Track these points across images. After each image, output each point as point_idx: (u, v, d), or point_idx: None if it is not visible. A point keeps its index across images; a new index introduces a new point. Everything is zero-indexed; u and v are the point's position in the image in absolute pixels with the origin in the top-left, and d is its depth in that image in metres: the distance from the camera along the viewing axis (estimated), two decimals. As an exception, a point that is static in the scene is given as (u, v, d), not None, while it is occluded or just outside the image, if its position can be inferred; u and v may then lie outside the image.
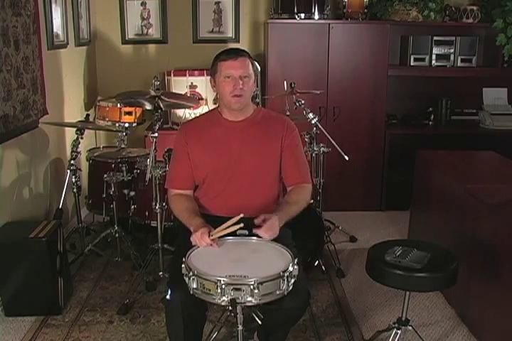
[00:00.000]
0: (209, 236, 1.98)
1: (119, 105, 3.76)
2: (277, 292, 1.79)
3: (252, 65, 2.23)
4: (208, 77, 2.35)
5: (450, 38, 4.44)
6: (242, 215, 1.96)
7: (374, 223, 4.28)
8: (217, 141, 2.25)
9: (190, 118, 2.61)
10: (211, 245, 1.98)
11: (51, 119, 3.48)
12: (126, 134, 3.65)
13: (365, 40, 4.22)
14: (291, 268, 1.82)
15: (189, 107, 3.85)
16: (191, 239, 2.02)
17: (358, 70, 4.27)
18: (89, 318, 2.82)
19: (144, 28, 4.63)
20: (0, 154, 2.87)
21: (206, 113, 2.47)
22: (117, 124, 3.81)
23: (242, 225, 1.96)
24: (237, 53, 2.20)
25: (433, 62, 4.47)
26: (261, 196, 2.27)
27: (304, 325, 2.75)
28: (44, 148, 3.54)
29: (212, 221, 2.14)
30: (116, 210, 3.41)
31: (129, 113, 3.85)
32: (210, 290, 1.76)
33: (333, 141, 3.32)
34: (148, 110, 3.29)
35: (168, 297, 2.00)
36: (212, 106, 4.06)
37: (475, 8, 4.37)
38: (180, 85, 4.26)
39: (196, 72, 4.21)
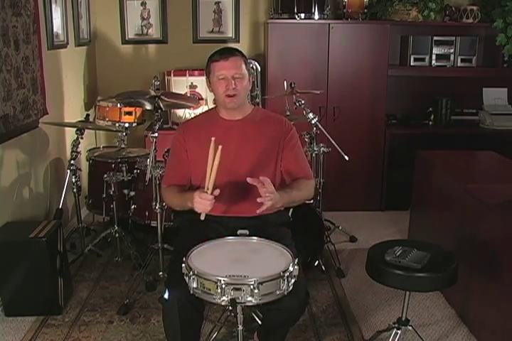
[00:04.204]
0: (206, 192, 1.99)
1: (119, 105, 3.76)
2: (277, 292, 1.79)
3: (246, 64, 2.24)
4: (208, 77, 2.35)
5: (450, 38, 4.44)
6: (213, 139, 1.96)
7: (374, 223, 4.28)
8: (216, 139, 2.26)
9: (190, 118, 2.61)
10: (215, 197, 1.99)
11: (51, 119, 3.48)
12: (126, 134, 3.65)
13: (365, 40, 4.22)
14: (291, 268, 1.82)
15: (189, 107, 3.85)
16: (196, 209, 2.03)
17: (358, 70, 4.27)
18: (89, 318, 2.81)
19: (144, 28, 4.63)
20: (0, 154, 2.87)
21: (204, 112, 2.49)
22: (117, 124, 3.81)
23: (220, 147, 1.94)
24: (230, 53, 2.21)
25: (433, 62, 4.47)
26: (259, 194, 2.26)
27: (304, 325, 2.75)
28: (44, 148, 3.54)
29: (213, 221, 2.14)
30: (116, 210, 3.41)
31: (129, 113, 3.85)
32: (210, 289, 1.76)
33: (333, 141, 3.32)
34: (148, 110, 3.29)
35: (165, 296, 2.00)
36: (212, 106, 4.07)
37: (475, 8, 4.37)
38: (180, 85, 4.26)
39: (196, 72, 4.21)
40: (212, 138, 1.98)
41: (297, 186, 2.25)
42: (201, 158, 2.25)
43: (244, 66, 2.21)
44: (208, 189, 2.00)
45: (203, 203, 2.01)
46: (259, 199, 2.00)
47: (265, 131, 2.28)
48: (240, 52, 2.26)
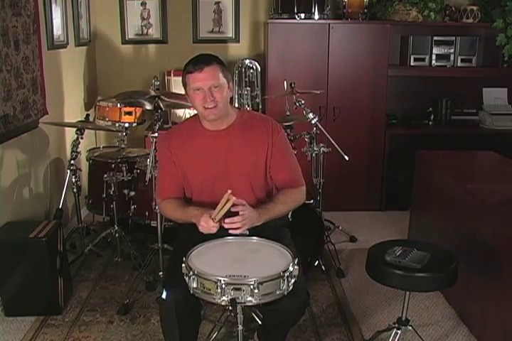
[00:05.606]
0: (212, 219, 1.98)
1: (119, 105, 3.75)
2: (277, 292, 1.79)
3: (223, 71, 2.12)
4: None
5: (450, 38, 4.44)
6: (230, 191, 1.94)
7: (374, 223, 4.28)
8: (203, 151, 2.20)
9: (173, 128, 2.53)
10: (221, 227, 1.98)
11: (51, 119, 3.48)
12: (126, 134, 3.65)
13: (365, 40, 4.22)
14: (291, 268, 1.82)
15: (189, 107, 3.84)
16: (200, 229, 2.01)
17: (358, 70, 4.27)
18: (89, 318, 2.82)
19: (144, 28, 4.63)
20: (0, 154, 2.87)
21: (187, 121, 2.39)
22: (117, 124, 3.81)
23: (234, 199, 1.93)
24: (204, 63, 2.08)
25: (433, 62, 4.47)
26: (251, 201, 2.19)
27: (304, 325, 2.75)
28: (44, 148, 3.54)
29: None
30: (116, 210, 3.41)
31: (129, 113, 3.85)
32: (210, 289, 1.76)
33: (333, 141, 3.32)
34: (148, 110, 3.30)
35: (163, 296, 2.00)
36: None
37: (475, 8, 4.37)
38: (180, 85, 4.22)
39: (196, 72, 4.20)
40: (229, 191, 1.94)
41: (283, 199, 2.19)
42: (190, 169, 2.22)
43: (221, 75, 2.09)
44: (214, 218, 1.98)
45: (208, 228, 1.99)
46: (227, 221, 1.98)
47: (252, 136, 2.20)
48: (216, 58, 2.13)
